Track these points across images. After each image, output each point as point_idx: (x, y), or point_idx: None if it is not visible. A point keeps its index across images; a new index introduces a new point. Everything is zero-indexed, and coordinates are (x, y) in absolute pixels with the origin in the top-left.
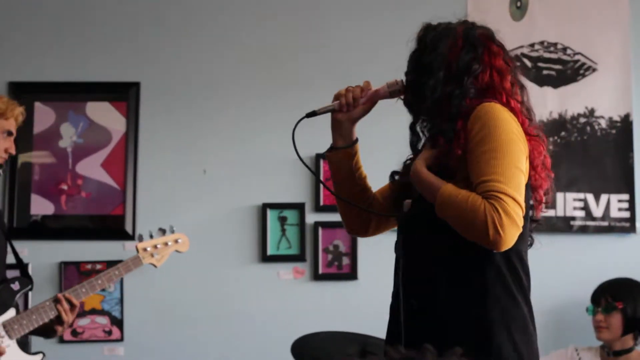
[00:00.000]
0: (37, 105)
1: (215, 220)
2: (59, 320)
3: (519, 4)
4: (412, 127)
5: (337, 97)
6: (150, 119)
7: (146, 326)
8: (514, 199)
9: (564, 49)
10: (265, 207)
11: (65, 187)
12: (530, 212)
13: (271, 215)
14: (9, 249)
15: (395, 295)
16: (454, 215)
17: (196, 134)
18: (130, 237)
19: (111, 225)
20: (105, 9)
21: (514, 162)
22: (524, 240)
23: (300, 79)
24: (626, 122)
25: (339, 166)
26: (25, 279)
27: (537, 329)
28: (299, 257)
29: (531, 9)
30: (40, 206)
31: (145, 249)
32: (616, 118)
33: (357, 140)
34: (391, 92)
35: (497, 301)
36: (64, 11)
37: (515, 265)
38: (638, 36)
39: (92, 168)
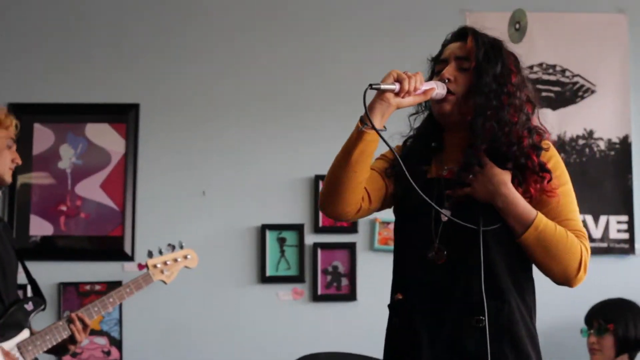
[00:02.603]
0: (37, 126)
1: (215, 241)
2: (71, 339)
3: (517, 26)
4: (437, 136)
5: (397, 79)
6: (150, 140)
7: (145, 347)
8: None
9: (563, 71)
10: (264, 228)
11: (64, 208)
12: None
13: (270, 236)
14: (20, 268)
15: (429, 309)
16: (548, 247)
17: (195, 156)
18: (130, 258)
19: (110, 246)
20: (104, 31)
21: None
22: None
23: (300, 101)
24: (625, 144)
25: (367, 146)
26: (39, 299)
27: None
28: (298, 278)
29: (530, 31)
30: (40, 227)
31: (155, 266)
32: (615, 140)
33: (385, 129)
34: (438, 94)
35: (534, 325)
36: (64, 34)
37: (532, 308)
38: (637, 58)
39: (91, 189)
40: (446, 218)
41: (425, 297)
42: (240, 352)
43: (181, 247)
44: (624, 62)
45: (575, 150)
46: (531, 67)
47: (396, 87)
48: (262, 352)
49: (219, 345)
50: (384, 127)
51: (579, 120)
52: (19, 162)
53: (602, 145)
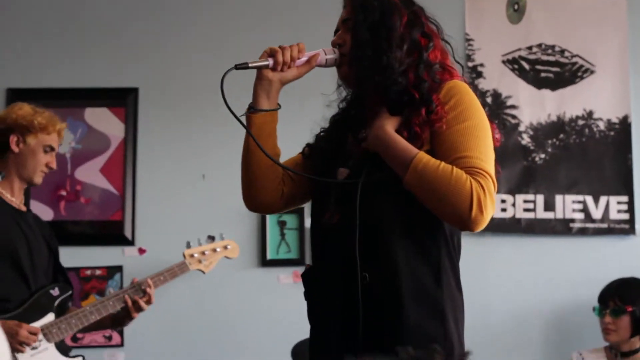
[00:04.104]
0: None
1: (215, 225)
2: (125, 310)
3: (516, 7)
4: (357, 102)
5: (270, 53)
6: (149, 124)
7: (146, 331)
8: (493, 181)
9: (562, 52)
10: None
11: (64, 193)
12: None
13: (270, 219)
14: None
15: (319, 274)
16: (432, 186)
17: (195, 139)
18: (130, 243)
19: (110, 231)
20: (103, 15)
21: (491, 144)
22: (458, 249)
23: (300, 84)
24: (624, 124)
25: (260, 129)
26: (65, 285)
27: (536, 329)
28: (298, 261)
29: (529, 12)
30: (39, 212)
31: (192, 255)
32: (614, 120)
33: (279, 106)
34: (328, 60)
35: (449, 288)
36: (63, 18)
37: (457, 251)
38: (636, 38)
39: (91, 174)
40: (342, 177)
41: (322, 261)
42: (241, 335)
43: (222, 238)
44: (623, 42)
45: (575, 131)
46: (530, 48)
47: (269, 62)
48: (263, 335)
49: (221, 329)
50: (278, 104)
51: (579, 101)
52: (54, 167)
53: (602, 125)
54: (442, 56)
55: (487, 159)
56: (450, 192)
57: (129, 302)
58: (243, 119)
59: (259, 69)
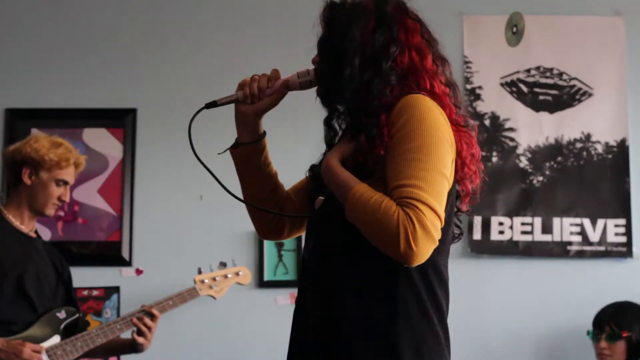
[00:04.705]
0: (34, 131)
1: (213, 246)
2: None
3: (515, 29)
4: (327, 122)
5: (241, 86)
6: (147, 145)
7: (144, 352)
8: (433, 210)
9: (560, 74)
10: None
11: (62, 213)
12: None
13: (268, 241)
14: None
15: (298, 304)
16: (364, 220)
17: (193, 160)
18: (127, 263)
19: (108, 252)
20: (101, 36)
21: (439, 167)
22: (443, 253)
23: (298, 105)
24: (622, 147)
25: (245, 164)
26: (72, 308)
27: (533, 352)
28: (295, 283)
29: (527, 35)
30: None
31: (202, 281)
32: (612, 143)
33: (264, 134)
34: (302, 82)
35: (408, 319)
36: (61, 38)
37: (430, 279)
38: (634, 61)
39: (88, 194)
40: (317, 207)
41: (299, 292)
42: (238, 357)
43: (234, 265)
44: (621, 65)
45: (573, 154)
46: (528, 71)
47: (238, 95)
48: (260, 356)
49: (218, 350)
50: (262, 133)
51: (577, 124)
52: (67, 199)
53: (600, 148)
54: (416, 57)
55: (427, 186)
56: (378, 227)
57: (139, 323)
58: (226, 155)
59: (232, 102)
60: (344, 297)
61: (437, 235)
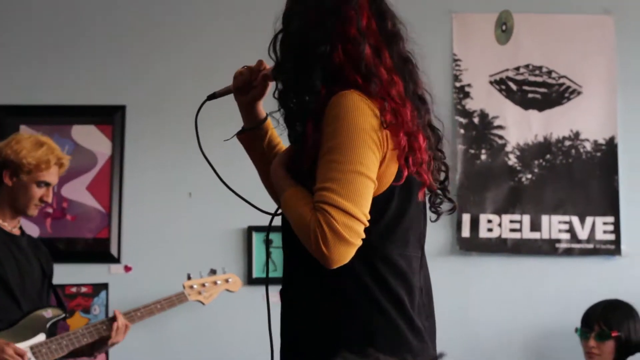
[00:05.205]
0: (23, 128)
1: (201, 244)
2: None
3: (504, 27)
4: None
5: (234, 77)
6: (136, 142)
7: (132, 352)
8: (345, 211)
9: (549, 72)
10: (250, 230)
11: (50, 210)
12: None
13: (257, 238)
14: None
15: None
16: (292, 224)
17: (181, 157)
18: (116, 260)
19: (96, 249)
20: (90, 32)
21: (355, 166)
22: (395, 242)
23: None
24: (611, 145)
25: (251, 148)
26: (58, 308)
27: (521, 350)
28: None
29: (516, 33)
30: (26, 229)
31: (191, 287)
32: (601, 141)
33: (264, 119)
34: (274, 75)
35: (355, 311)
36: (50, 35)
37: (380, 271)
38: (623, 59)
39: (77, 191)
40: None
41: None
42: (227, 355)
43: (224, 272)
44: (610, 63)
45: (562, 152)
46: (517, 69)
47: (230, 87)
48: (250, 354)
49: (207, 348)
50: (265, 116)
51: (566, 122)
52: (49, 200)
53: (589, 146)
54: (352, 50)
55: (339, 187)
56: (298, 232)
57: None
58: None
59: (228, 94)
60: (295, 294)
61: (353, 236)
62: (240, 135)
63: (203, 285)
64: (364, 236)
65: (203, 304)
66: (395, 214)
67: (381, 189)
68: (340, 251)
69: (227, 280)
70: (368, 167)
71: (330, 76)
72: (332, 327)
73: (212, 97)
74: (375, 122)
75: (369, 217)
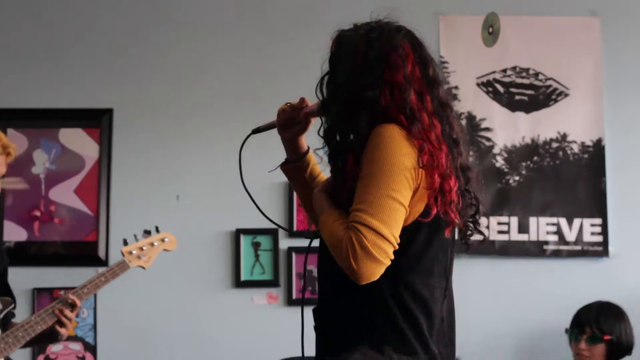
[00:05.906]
0: (10, 131)
1: (189, 246)
2: (59, 324)
3: (491, 29)
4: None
5: (278, 113)
6: (123, 145)
7: (120, 352)
8: (375, 231)
9: (536, 75)
10: (238, 232)
11: (38, 213)
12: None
13: (245, 240)
14: None
15: None
16: (328, 243)
17: (169, 160)
18: (104, 263)
19: (84, 252)
20: (77, 36)
21: (387, 190)
22: (420, 272)
23: (275, 105)
24: (598, 147)
25: (294, 177)
26: (7, 298)
27: (510, 351)
28: (272, 283)
29: (503, 35)
30: (13, 232)
31: (130, 252)
32: (588, 143)
33: (306, 152)
34: (318, 112)
35: (376, 331)
36: (37, 38)
37: (403, 296)
38: (609, 61)
39: (65, 194)
40: None
41: None
42: (215, 357)
43: (157, 231)
44: (597, 65)
45: (549, 154)
46: (504, 71)
47: (274, 122)
48: (237, 357)
49: (194, 350)
50: (307, 149)
51: (553, 124)
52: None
53: (576, 148)
54: (398, 94)
55: (373, 209)
56: (333, 249)
57: (60, 315)
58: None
59: (271, 129)
60: (332, 313)
61: (381, 254)
62: (284, 166)
63: (141, 249)
64: (392, 257)
65: (144, 268)
66: (422, 246)
67: (408, 221)
68: (369, 267)
69: (163, 240)
70: (401, 194)
71: (375, 117)
72: (354, 341)
73: (257, 131)
74: (413, 157)
75: (398, 240)
